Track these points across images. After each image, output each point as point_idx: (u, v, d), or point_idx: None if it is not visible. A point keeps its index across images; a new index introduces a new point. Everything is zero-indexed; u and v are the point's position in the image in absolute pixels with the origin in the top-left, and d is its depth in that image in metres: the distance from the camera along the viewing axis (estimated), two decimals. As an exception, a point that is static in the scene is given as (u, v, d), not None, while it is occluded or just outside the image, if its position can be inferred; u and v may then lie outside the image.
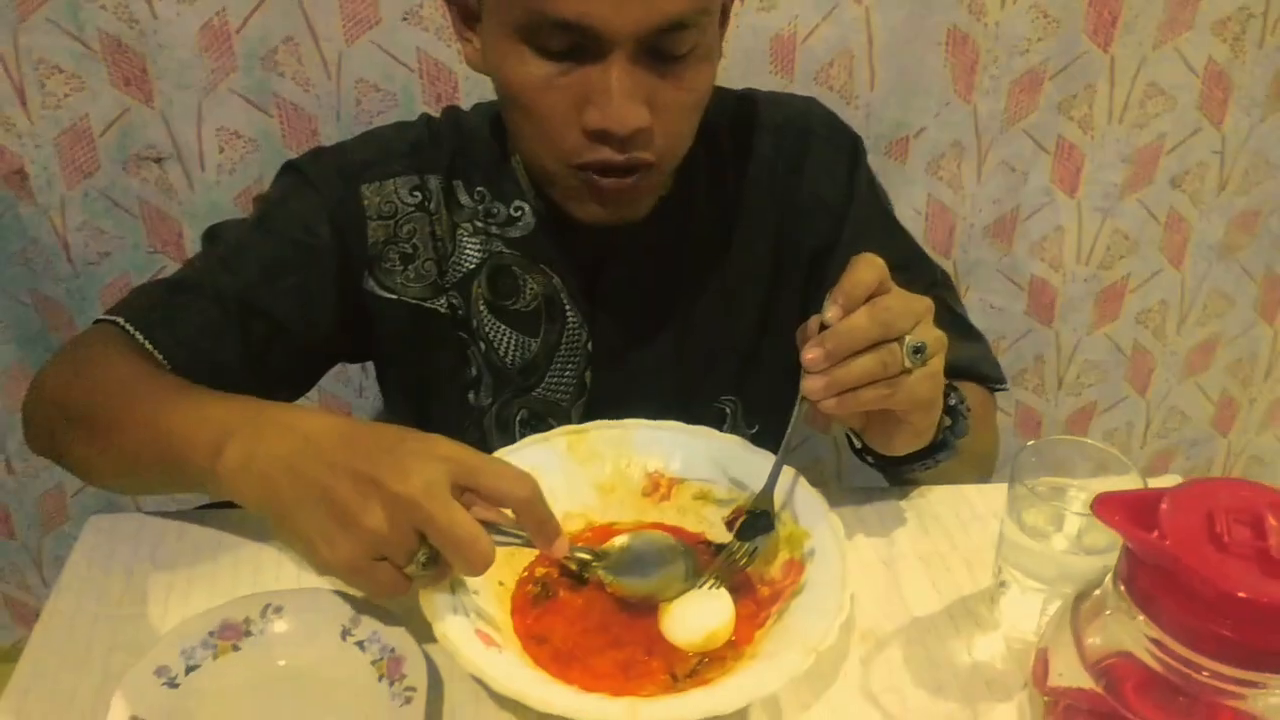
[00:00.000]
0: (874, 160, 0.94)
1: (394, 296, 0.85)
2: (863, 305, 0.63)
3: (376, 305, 0.85)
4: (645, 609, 0.66)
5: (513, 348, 0.86)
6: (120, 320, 0.77)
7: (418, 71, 1.18)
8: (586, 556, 0.67)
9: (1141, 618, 0.49)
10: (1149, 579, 0.49)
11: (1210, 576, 0.45)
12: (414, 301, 0.85)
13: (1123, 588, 0.51)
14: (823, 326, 0.64)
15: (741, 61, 1.21)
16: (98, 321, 0.79)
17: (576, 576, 0.68)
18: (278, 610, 0.63)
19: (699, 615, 0.65)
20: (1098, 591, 0.54)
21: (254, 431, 0.61)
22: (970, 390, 0.82)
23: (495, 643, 0.61)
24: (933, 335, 0.66)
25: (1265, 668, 0.46)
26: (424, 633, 0.60)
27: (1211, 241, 1.46)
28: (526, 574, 0.69)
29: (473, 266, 0.85)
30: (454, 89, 1.19)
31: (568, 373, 0.87)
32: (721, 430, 0.77)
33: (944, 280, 0.93)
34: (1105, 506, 0.50)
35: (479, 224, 0.85)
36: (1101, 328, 1.50)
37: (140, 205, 1.22)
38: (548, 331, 0.86)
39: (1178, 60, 1.30)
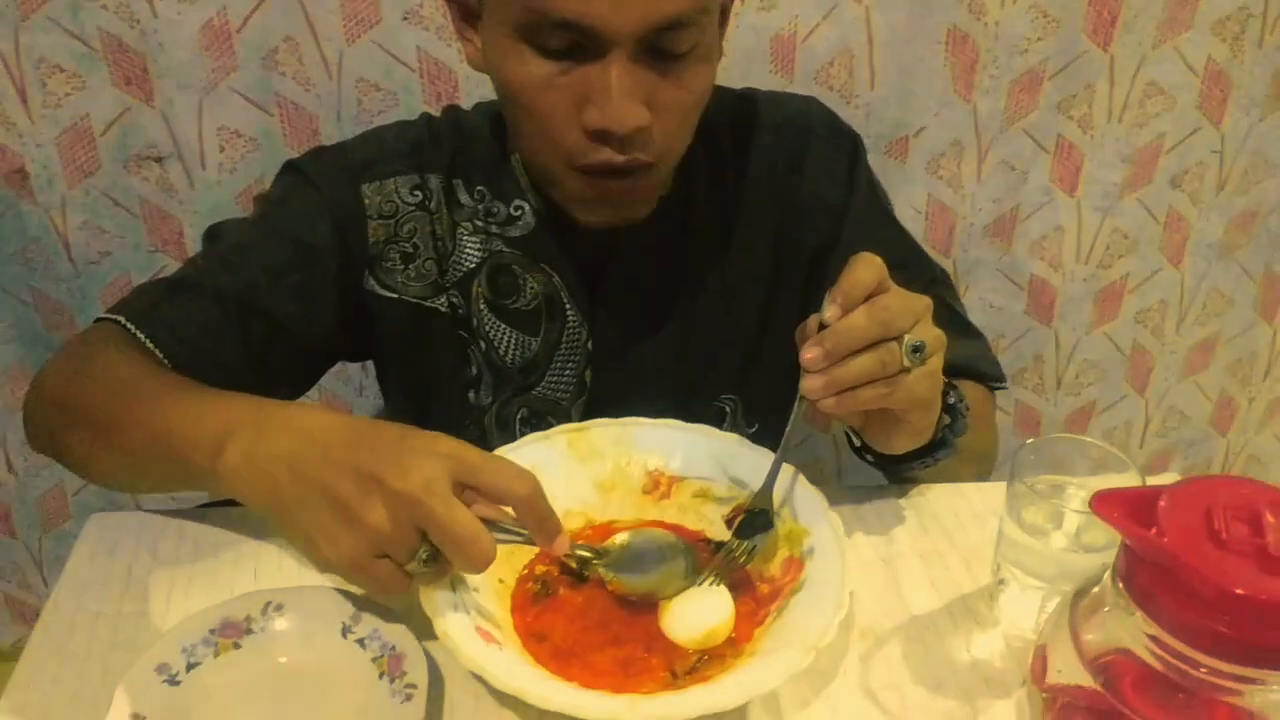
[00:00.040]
0: (874, 159, 0.94)
1: (394, 296, 0.85)
2: (862, 304, 0.63)
3: (377, 304, 0.85)
4: (645, 606, 0.67)
5: (513, 347, 0.86)
6: (121, 319, 0.77)
7: (418, 71, 1.18)
8: (587, 554, 0.67)
9: (1140, 615, 0.49)
10: (1147, 576, 0.49)
11: (1208, 574, 0.46)
12: (414, 300, 0.85)
13: (1121, 585, 0.51)
14: (822, 326, 0.64)
15: (741, 61, 1.21)
16: (98, 320, 0.79)
17: (576, 574, 0.69)
18: (278, 608, 0.64)
19: (699, 613, 0.65)
20: (1096, 589, 0.54)
21: (255, 429, 0.61)
22: (969, 389, 0.82)
23: (495, 640, 0.61)
24: (932, 334, 0.66)
25: (1263, 664, 0.46)
26: (424, 630, 0.60)
27: (1211, 241, 1.46)
28: (527, 571, 0.69)
29: (473, 265, 0.85)
30: (454, 88, 1.19)
31: (568, 372, 0.87)
32: (721, 429, 0.78)
33: (943, 279, 0.93)
34: (1104, 504, 0.50)
35: (479, 223, 0.85)
36: (1101, 327, 1.50)
37: (141, 204, 1.22)
38: (548, 330, 0.86)
39: (1177, 60, 1.30)
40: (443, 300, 0.86)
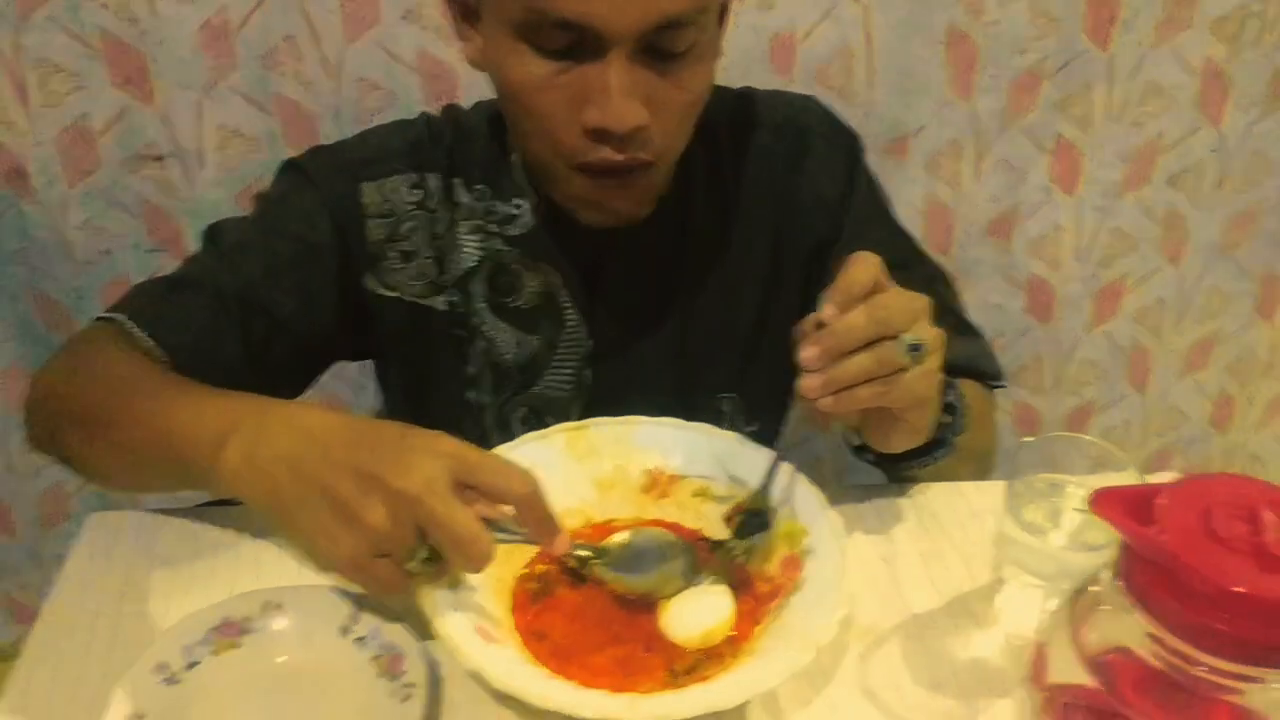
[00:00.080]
0: (873, 159, 0.94)
1: (394, 294, 0.85)
2: (860, 303, 0.63)
3: (376, 303, 0.85)
4: (644, 606, 0.67)
5: (512, 345, 0.86)
6: (120, 318, 0.77)
7: (418, 71, 1.18)
8: (586, 553, 0.67)
9: (1139, 613, 0.49)
10: (1146, 575, 0.49)
11: (1208, 572, 0.45)
12: (414, 299, 0.85)
13: (1120, 583, 0.51)
14: (820, 325, 0.64)
15: (741, 60, 1.21)
16: (98, 319, 0.79)
17: (576, 573, 0.68)
18: (278, 607, 0.64)
19: (698, 612, 0.65)
20: (1095, 587, 0.54)
21: (255, 428, 0.62)
22: (969, 388, 0.82)
23: (495, 639, 0.61)
24: (930, 333, 0.66)
25: (1263, 662, 0.46)
26: (424, 629, 0.60)
27: (1209, 240, 1.46)
28: (526, 571, 0.69)
29: (472, 264, 0.85)
30: (454, 88, 1.19)
31: (567, 370, 0.87)
32: (720, 428, 0.78)
33: (942, 277, 0.93)
34: (1103, 502, 0.50)
35: (478, 222, 0.85)
36: (1100, 326, 1.51)
37: (140, 204, 1.22)
38: (547, 329, 0.86)
39: (1176, 59, 1.30)
40: (442, 299, 0.86)
